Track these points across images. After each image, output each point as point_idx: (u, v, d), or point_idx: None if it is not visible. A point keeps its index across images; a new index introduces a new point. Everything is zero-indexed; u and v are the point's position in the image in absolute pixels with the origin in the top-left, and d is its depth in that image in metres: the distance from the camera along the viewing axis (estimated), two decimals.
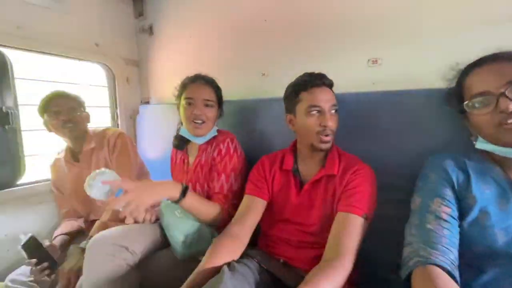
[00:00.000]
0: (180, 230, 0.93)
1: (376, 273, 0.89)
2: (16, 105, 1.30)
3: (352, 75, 1.07)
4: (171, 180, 0.95)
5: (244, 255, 0.81)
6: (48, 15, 1.39)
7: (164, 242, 1.02)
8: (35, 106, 1.23)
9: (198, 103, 1.05)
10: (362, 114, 0.99)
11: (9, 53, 1.28)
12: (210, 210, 0.95)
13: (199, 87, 1.07)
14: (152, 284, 0.92)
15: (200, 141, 1.10)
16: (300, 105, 0.85)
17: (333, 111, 0.84)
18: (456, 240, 0.63)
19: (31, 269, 1.03)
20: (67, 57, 1.51)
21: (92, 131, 1.34)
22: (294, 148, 0.96)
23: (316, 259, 0.75)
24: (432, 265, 0.57)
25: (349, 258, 0.70)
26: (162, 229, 1.04)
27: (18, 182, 1.35)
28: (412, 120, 0.91)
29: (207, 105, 1.06)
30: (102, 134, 1.33)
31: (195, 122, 1.05)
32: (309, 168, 0.91)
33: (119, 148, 1.30)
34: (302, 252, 0.85)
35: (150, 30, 1.76)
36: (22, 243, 1.05)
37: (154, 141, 1.70)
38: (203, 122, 1.06)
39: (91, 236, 1.12)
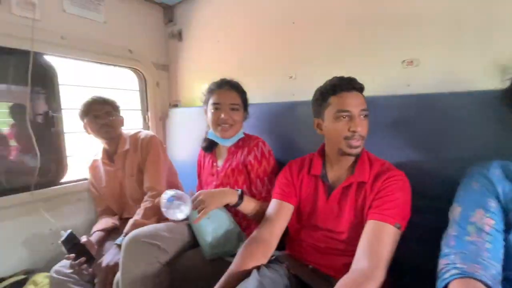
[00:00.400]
0: (208, 231, 0.96)
1: (409, 285, 0.85)
2: (60, 109, 1.41)
3: (385, 77, 1.04)
4: (227, 188, 1.01)
5: (272, 260, 0.81)
6: (87, 25, 1.49)
7: (192, 243, 1.06)
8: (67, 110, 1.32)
9: (225, 108, 1.08)
10: (396, 118, 0.95)
11: (54, 61, 1.39)
12: (264, 207, 0.98)
13: (225, 92, 1.10)
14: (181, 283, 0.94)
15: (227, 143, 1.12)
16: (329, 110, 0.84)
17: (363, 116, 0.81)
18: (499, 254, 0.59)
19: (70, 263, 1.10)
20: (103, 63, 1.61)
21: (126, 133, 1.41)
22: (322, 153, 0.94)
23: (346, 267, 0.73)
24: (470, 278, 0.54)
25: (381, 268, 0.67)
26: (190, 229, 1.07)
27: (61, 181, 1.46)
28: (451, 124, 0.86)
29: (233, 109, 1.09)
30: (135, 137, 1.40)
31: (222, 126, 1.08)
32: (337, 174, 0.89)
33: (151, 150, 1.36)
34: (331, 259, 0.83)
35: (179, 36, 1.83)
36: (62, 239, 1.12)
37: (182, 143, 1.76)
38: (231, 125, 1.09)
39: (125, 233, 1.18)
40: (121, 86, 1.84)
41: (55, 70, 1.39)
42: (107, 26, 1.57)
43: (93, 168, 1.45)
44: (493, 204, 0.63)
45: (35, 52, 1.26)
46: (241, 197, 0.96)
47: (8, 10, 1.22)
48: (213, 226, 0.97)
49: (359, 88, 0.84)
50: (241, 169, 1.09)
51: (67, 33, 1.39)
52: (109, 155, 1.41)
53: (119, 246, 1.17)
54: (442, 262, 0.61)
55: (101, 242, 1.27)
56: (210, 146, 1.21)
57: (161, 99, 1.90)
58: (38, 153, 1.29)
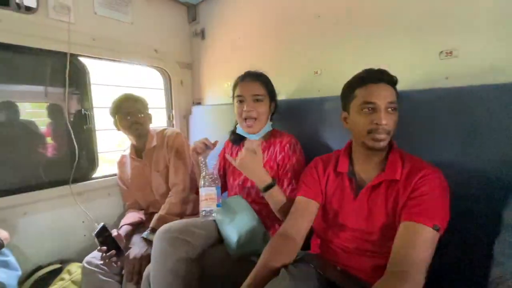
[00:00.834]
0: (235, 229, 0.96)
1: None
2: (91, 107, 1.48)
3: (420, 70, 0.97)
4: (264, 171, 0.99)
5: (298, 259, 0.79)
6: (115, 26, 1.54)
7: (218, 239, 1.06)
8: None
9: (248, 100, 1.07)
10: (433, 113, 0.88)
11: (85, 62, 1.46)
12: (288, 204, 0.96)
13: (248, 84, 1.10)
14: (208, 280, 0.95)
15: (255, 137, 1.11)
16: (354, 102, 0.81)
17: (391, 109, 0.76)
18: None
19: (102, 255, 1.15)
20: (130, 63, 1.66)
21: (153, 130, 1.46)
22: (349, 149, 0.90)
23: (377, 269, 0.69)
24: None
25: (418, 273, 0.62)
26: (217, 226, 1.07)
27: (93, 176, 1.54)
28: (493, 120, 0.79)
29: (257, 100, 1.08)
30: (162, 134, 1.44)
31: (247, 121, 1.08)
32: (366, 171, 0.84)
33: (177, 147, 1.39)
34: (361, 260, 0.79)
35: (202, 34, 1.84)
36: (95, 232, 1.17)
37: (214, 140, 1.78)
38: (255, 119, 1.07)
39: (152, 228, 1.22)
40: (145, 84, 1.90)
41: (87, 70, 1.46)
42: (134, 26, 1.62)
43: (122, 163, 1.51)
44: None
45: (70, 54, 1.34)
46: (270, 186, 0.95)
47: (46, 15, 1.29)
48: (239, 224, 0.97)
49: (389, 80, 0.79)
50: (271, 165, 1.07)
51: (97, 35, 1.46)
52: (138, 151, 1.45)
53: (145, 239, 1.21)
54: (495, 272, 0.56)
55: (129, 235, 1.32)
56: (238, 140, 1.21)
57: (185, 97, 1.94)
58: (77, 149, 1.37)
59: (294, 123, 1.26)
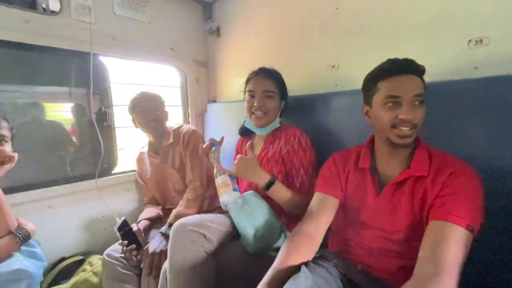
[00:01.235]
0: (252, 224, 0.95)
1: None
2: (111, 105, 1.52)
3: (448, 60, 0.91)
4: (262, 171, 1.00)
5: (318, 257, 0.77)
6: (133, 26, 1.58)
7: (234, 235, 1.06)
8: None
9: (258, 95, 1.08)
10: (462, 106, 0.83)
11: (105, 61, 1.51)
12: (296, 198, 0.97)
13: (260, 79, 1.11)
14: (225, 275, 0.95)
15: (262, 131, 1.13)
16: (377, 95, 0.76)
17: (417, 102, 0.71)
18: None
19: (122, 249, 1.18)
20: (148, 62, 1.70)
21: (170, 127, 1.48)
22: (371, 144, 0.86)
23: (402, 270, 0.66)
24: None
25: (450, 276, 0.57)
26: (232, 221, 1.07)
27: (113, 171, 1.58)
28: None
29: (268, 96, 1.09)
30: (178, 131, 1.46)
31: (255, 114, 1.09)
32: (390, 167, 0.80)
33: (193, 144, 1.40)
34: (385, 261, 0.76)
35: (218, 32, 1.85)
36: (117, 226, 1.20)
37: (220, 136, 1.78)
38: (265, 113, 1.09)
39: (169, 223, 1.23)
40: (161, 83, 1.93)
41: (107, 69, 1.50)
42: (151, 26, 1.65)
43: (140, 160, 1.55)
44: None
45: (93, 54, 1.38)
46: (271, 184, 0.96)
47: (69, 16, 1.34)
48: (255, 218, 0.96)
49: (415, 70, 0.73)
50: (277, 159, 1.07)
51: (117, 34, 1.50)
52: (155, 148, 1.48)
53: (163, 234, 1.22)
54: None
55: (147, 230, 1.35)
56: (246, 133, 1.23)
57: (201, 94, 1.96)
58: (103, 145, 1.41)
59: (311, 118, 1.23)
